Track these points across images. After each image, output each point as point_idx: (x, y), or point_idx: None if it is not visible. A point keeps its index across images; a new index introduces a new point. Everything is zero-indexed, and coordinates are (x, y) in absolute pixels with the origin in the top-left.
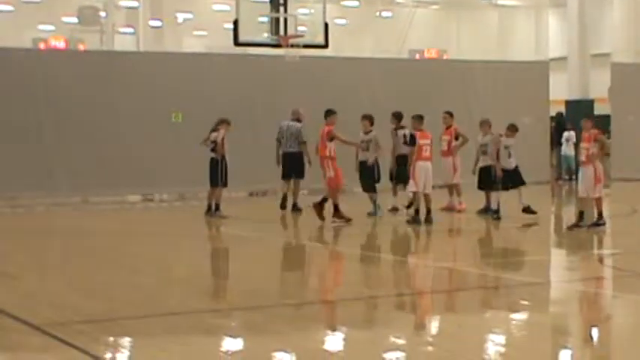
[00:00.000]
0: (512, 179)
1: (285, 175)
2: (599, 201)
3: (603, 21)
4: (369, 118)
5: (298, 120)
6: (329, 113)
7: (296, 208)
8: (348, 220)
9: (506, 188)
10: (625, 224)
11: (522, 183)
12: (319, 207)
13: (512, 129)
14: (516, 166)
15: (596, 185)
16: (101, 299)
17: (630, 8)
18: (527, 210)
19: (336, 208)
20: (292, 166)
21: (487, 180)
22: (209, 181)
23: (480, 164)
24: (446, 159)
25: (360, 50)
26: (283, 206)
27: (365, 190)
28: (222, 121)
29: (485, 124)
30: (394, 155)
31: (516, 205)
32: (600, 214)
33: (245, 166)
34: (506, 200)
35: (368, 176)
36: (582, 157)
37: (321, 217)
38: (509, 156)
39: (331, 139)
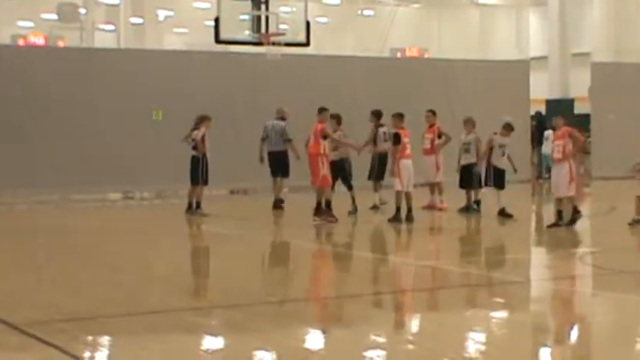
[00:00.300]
0: (502, 179)
1: (273, 174)
2: (571, 198)
3: (583, 20)
4: (336, 117)
5: (282, 118)
6: (321, 111)
7: (279, 206)
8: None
9: (498, 186)
10: (604, 222)
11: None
12: (321, 212)
13: (508, 128)
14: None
15: (570, 183)
16: (82, 298)
17: (610, 8)
18: (503, 213)
19: (320, 207)
20: (278, 164)
21: (468, 178)
22: (190, 179)
23: (462, 162)
24: (428, 157)
25: (342, 49)
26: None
27: (332, 188)
28: (203, 118)
29: (469, 123)
30: (374, 153)
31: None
32: (575, 208)
33: (226, 163)
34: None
35: (342, 174)
36: (557, 155)
37: (333, 217)
38: (503, 154)
39: (324, 136)
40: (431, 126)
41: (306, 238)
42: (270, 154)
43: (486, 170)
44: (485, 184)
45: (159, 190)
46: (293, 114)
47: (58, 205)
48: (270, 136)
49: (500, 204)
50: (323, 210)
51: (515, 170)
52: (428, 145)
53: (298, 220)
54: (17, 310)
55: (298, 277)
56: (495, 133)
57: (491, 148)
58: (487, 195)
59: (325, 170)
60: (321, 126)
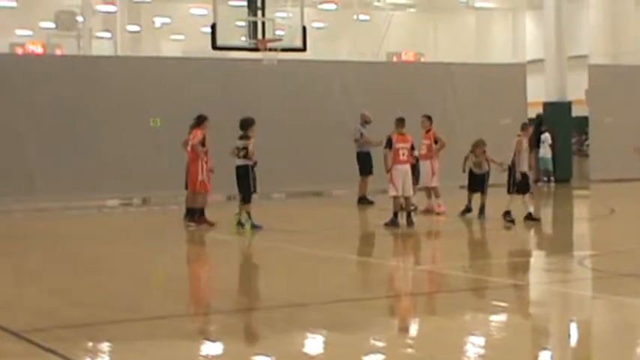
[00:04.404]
0: (527, 183)
1: (362, 173)
2: None
3: (580, 23)
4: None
5: (365, 122)
6: (203, 119)
7: (367, 201)
8: (212, 225)
9: (524, 191)
10: (603, 225)
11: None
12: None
13: (528, 128)
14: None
15: None
16: (80, 305)
17: (607, 10)
18: (530, 217)
19: (202, 212)
20: (361, 164)
21: (478, 185)
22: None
23: (476, 172)
24: (424, 162)
25: (338, 53)
26: (360, 202)
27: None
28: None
29: (479, 147)
30: None
31: (499, 208)
32: None
33: (224, 169)
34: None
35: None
36: None
37: (210, 223)
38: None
39: (203, 143)
40: (427, 131)
41: (304, 243)
42: (357, 154)
43: (513, 176)
44: (512, 191)
45: (157, 197)
46: (290, 118)
47: (56, 212)
48: (356, 138)
49: (528, 208)
50: (199, 215)
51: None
52: (424, 150)
53: (299, 225)
54: (16, 316)
55: (296, 281)
56: (519, 136)
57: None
58: (517, 201)
59: (203, 176)
60: (199, 133)
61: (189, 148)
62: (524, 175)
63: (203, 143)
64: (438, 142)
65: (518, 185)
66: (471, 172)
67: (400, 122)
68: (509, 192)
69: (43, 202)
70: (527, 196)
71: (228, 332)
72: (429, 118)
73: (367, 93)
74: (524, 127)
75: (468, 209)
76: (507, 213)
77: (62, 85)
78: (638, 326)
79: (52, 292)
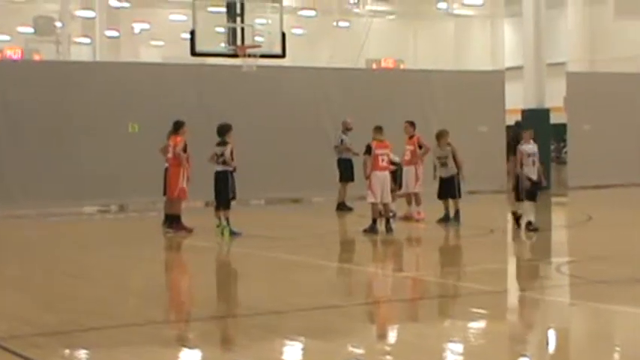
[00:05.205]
0: (534, 191)
1: (342, 179)
2: None
3: (558, 30)
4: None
5: (345, 129)
6: (181, 125)
7: (346, 208)
8: (190, 231)
9: (532, 198)
10: (581, 232)
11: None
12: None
13: (529, 132)
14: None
15: None
16: (57, 311)
17: (585, 18)
18: (530, 226)
19: (179, 219)
20: (341, 171)
21: (450, 189)
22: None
23: (443, 175)
24: (408, 168)
25: (317, 60)
26: (339, 207)
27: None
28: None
29: (442, 136)
30: None
31: (477, 215)
32: None
33: (203, 175)
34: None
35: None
36: None
37: (188, 229)
38: (533, 163)
39: (184, 149)
40: (410, 137)
41: (283, 250)
42: (338, 160)
43: (519, 184)
44: (521, 199)
45: (135, 203)
46: (270, 125)
47: (34, 219)
48: (337, 146)
49: (529, 217)
50: (176, 222)
51: (547, 180)
52: (408, 156)
53: (277, 233)
54: None
55: (275, 288)
56: (519, 143)
57: (521, 158)
58: (528, 209)
59: (184, 183)
60: (180, 139)
61: (169, 155)
62: (533, 182)
63: (184, 149)
64: (422, 148)
65: (527, 192)
66: (440, 179)
67: (378, 130)
68: (517, 199)
69: (20, 209)
70: (532, 204)
71: (206, 340)
72: (412, 124)
73: (346, 99)
74: (521, 132)
75: (446, 217)
76: (529, 222)
77: (40, 91)
78: (614, 333)
79: (28, 299)
